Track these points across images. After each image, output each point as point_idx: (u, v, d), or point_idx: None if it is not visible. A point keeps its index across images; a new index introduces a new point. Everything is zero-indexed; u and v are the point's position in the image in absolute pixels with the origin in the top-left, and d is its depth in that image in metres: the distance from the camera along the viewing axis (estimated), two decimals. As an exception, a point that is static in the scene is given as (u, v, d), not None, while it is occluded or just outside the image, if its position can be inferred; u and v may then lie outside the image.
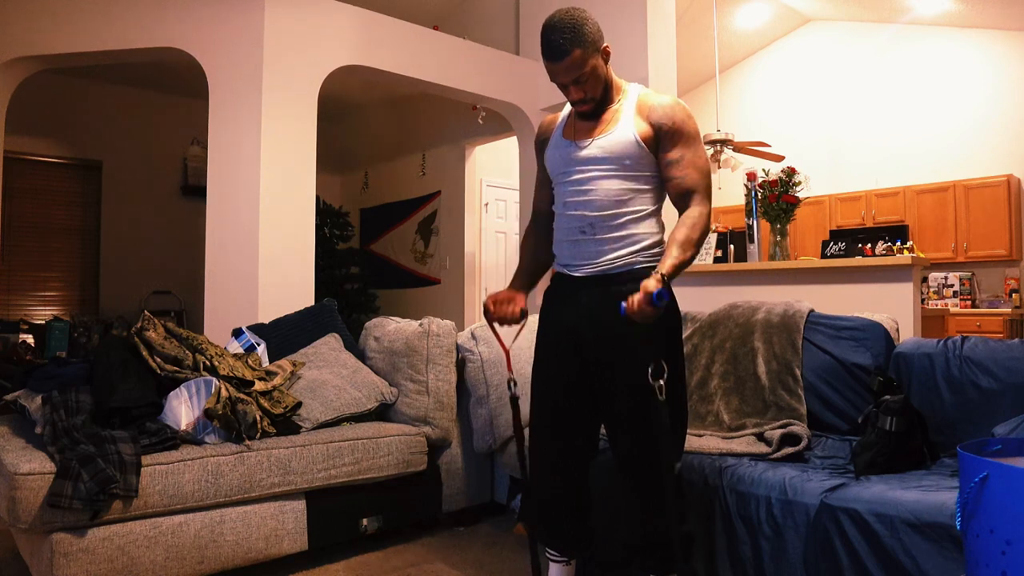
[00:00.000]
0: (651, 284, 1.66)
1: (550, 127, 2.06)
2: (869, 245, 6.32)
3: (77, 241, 6.67)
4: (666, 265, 1.73)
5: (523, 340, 2.94)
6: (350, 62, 4.62)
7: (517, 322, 1.98)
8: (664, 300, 1.67)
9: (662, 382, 1.73)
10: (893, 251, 6.07)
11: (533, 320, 2.16)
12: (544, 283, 2.10)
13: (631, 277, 1.83)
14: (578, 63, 1.78)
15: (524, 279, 2.11)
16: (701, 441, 2.40)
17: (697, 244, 1.81)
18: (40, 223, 6.44)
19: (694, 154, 1.87)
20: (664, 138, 1.85)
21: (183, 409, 2.38)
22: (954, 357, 2.37)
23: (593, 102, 1.87)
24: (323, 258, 6.75)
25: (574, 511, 2.00)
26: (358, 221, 8.19)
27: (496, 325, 1.99)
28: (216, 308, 4.13)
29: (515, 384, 1.98)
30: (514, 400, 1.98)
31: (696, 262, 4.41)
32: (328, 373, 2.89)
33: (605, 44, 1.86)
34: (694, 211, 1.84)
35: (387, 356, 3.05)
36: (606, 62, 1.87)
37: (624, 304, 1.69)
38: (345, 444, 2.58)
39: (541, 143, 2.08)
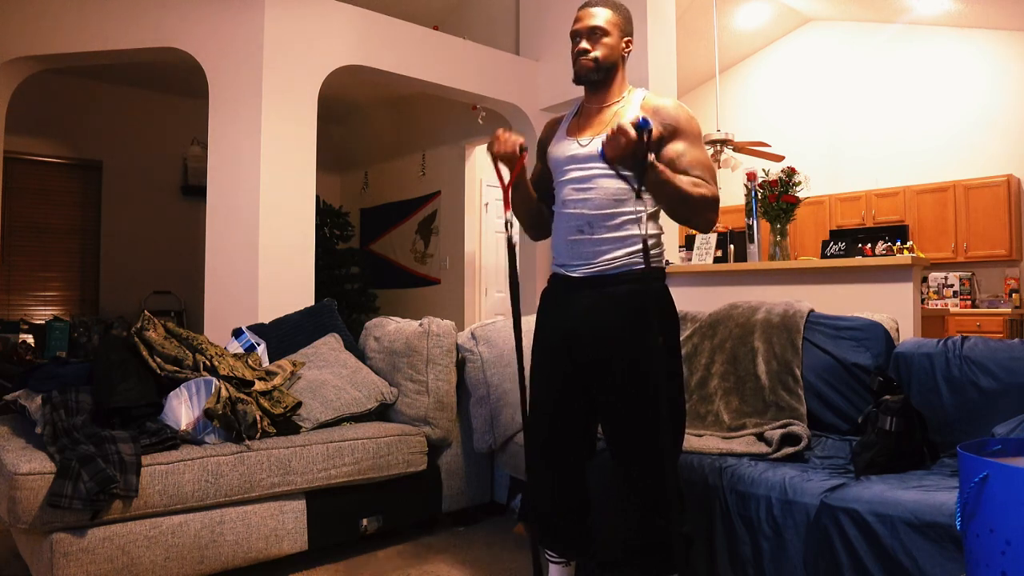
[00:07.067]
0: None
1: (554, 126, 2.08)
2: (869, 245, 6.32)
3: (77, 241, 6.66)
4: (664, 171, 1.72)
5: (523, 341, 2.93)
6: (350, 62, 4.62)
7: (515, 157, 1.93)
8: (649, 127, 1.63)
9: (662, 339, 1.74)
10: (893, 251, 6.07)
11: (531, 320, 2.16)
12: (542, 282, 2.10)
13: (628, 278, 1.83)
14: (602, 18, 1.91)
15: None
16: (701, 441, 2.40)
17: (696, 195, 1.78)
18: (40, 223, 6.44)
19: (697, 150, 1.88)
20: (667, 136, 1.87)
21: (183, 409, 2.39)
22: (954, 357, 2.37)
23: (595, 63, 1.91)
24: (323, 258, 6.75)
25: (572, 512, 2.00)
26: (358, 221, 8.19)
27: (500, 164, 1.96)
28: (216, 308, 4.13)
29: (511, 225, 1.96)
30: (511, 245, 1.95)
31: (695, 261, 4.41)
32: (328, 373, 2.89)
33: (629, 38, 1.97)
34: (700, 180, 1.83)
35: (387, 356, 3.05)
36: (624, 52, 1.96)
37: (602, 141, 1.67)
38: (345, 444, 2.58)
39: (544, 142, 2.09)
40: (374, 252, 8.03)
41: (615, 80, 1.95)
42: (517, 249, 2.01)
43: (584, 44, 1.92)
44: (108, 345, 2.57)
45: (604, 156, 1.69)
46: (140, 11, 4.16)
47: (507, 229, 1.95)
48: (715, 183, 1.87)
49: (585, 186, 1.89)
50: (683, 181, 1.77)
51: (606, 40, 1.91)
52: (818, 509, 1.86)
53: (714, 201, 1.82)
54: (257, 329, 3.25)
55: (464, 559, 2.62)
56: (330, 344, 3.13)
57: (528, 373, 2.01)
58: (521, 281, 5.87)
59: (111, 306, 6.60)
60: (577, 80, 1.97)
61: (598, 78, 1.93)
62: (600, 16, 1.91)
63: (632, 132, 1.63)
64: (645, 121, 1.64)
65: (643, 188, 1.76)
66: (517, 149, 1.92)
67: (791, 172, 4.12)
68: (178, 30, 4.19)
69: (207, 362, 2.57)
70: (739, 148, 6.38)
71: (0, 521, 2.14)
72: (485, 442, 2.89)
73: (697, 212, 1.82)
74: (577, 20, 1.95)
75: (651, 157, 1.69)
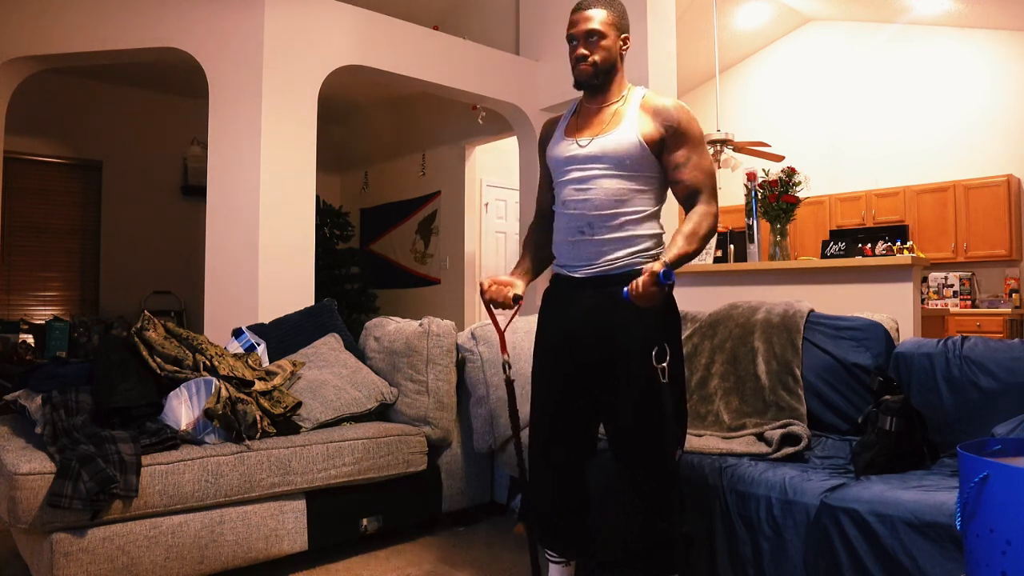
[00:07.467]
0: (657, 266, 1.67)
1: (552, 126, 2.08)
2: (869, 245, 6.31)
3: (77, 241, 6.66)
4: (670, 254, 1.74)
5: (524, 341, 2.94)
6: (350, 62, 4.62)
7: (510, 306, 1.97)
8: (671, 280, 1.66)
9: (664, 365, 1.74)
10: (893, 251, 6.06)
11: (533, 320, 2.16)
12: (543, 282, 2.10)
13: (630, 278, 1.83)
14: (597, 20, 1.88)
15: (524, 268, 2.11)
16: (701, 441, 2.40)
17: (703, 239, 1.81)
18: (40, 223, 6.43)
19: (699, 156, 1.88)
20: (670, 140, 1.87)
21: (183, 409, 2.39)
22: (954, 357, 2.37)
23: (593, 67, 1.90)
24: (323, 258, 6.75)
25: (572, 512, 2.00)
26: (358, 221, 8.19)
27: (492, 307, 1.99)
28: (216, 308, 4.13)
29: (509, 367, 1.97)
30: (509, 384, 1.97)
31: (696, 262, 4.40)
32: (328, 373, 2.89)
33: (626, 34, 1.94)
34: (701, 208, 1.85)
35: (387, 356, 3.05)
36: (622, 51, 1.94)
37: (627, 288, 1.69)
38: (345, 444, 2.58)
39: (543, 142, 2.09)
40: (374, 252, 8.03)
41: (615, 80, 1.95)
42: (516, 386, 2.04)
43: (582, 50, 1.90)
44: (108, 345, 2.57)
45: (627, 297, 1.70)
46: (140, 11, 4.16)
47: (505, 371, 1.96)
48: (715, 193, 1.89)
49: (585, 186, 1.89)
50: (689, 241, 1.78)
51: (603, 43, 1.89)
52: (818, 509, 1.86)
53: (715, 225, 1.86)
54: (257, 329, 3.25)
55: (464, 559, 2.62)
56: (330, 344, 3.13)
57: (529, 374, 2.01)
58: (521, 281, 5.88)
59: (111, 306, 6.60)
60: (578, 85, 1.96)
61: (598, 82, 1.93)
62: (595, 18, 1.88)
63: (657, 291, 1.66)
64: (667, 275, 1.65)
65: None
66: (511, 300, 1.95)
67: (791, 172, 4.12)
68: (178, 30, 4.19)
69: (207, 362, 2.57)
70: (739, 148, 6.38)
71: (0, 521, 2.14)
72: (485, 442, 2.89)
73: (703, 247, 1.86)
74: (572, 24, 1.92)
75: (663, 260, 1.70)
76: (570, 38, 1.93)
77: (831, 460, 2.28)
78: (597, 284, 1.88)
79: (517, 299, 1.97)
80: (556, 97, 5.54)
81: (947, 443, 2.22)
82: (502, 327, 2.01)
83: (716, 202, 1.88)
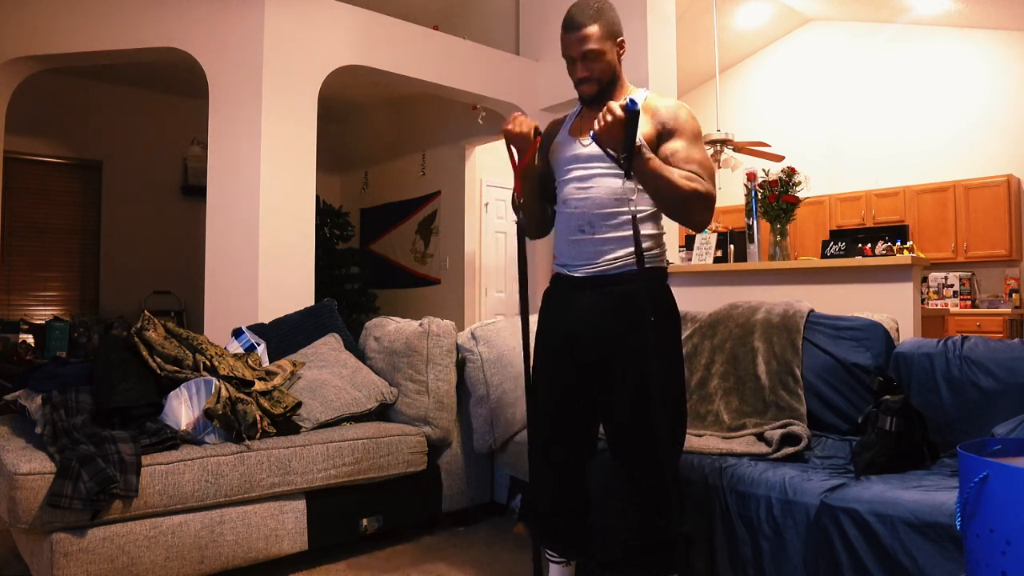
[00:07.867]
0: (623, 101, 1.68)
1: (556, 127, 2.08)
2: (869, 245, 6.31)
3: (77, 241, 6.66)
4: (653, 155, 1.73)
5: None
6: (350, 62, 4.62)
7: (529, 141, 1.92)
8: (636, 107, 1.65)
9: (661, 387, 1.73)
10: (893, 251, 6.06)
11: (532, 320, 2.16)
12: (544, 283, 2.10)
13: (629, 278, 1.83)
14: (591, 38, 1.84)
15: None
16: (701, 441, 2.40)
17: (685, 185, 1.76)
18: (40, 223, 6.44)
19: (695, 149, 1.86)
20: (665, 134, 1.87)
21: (183, 409, 2.39)
22: (954, 357, 2.37)
23: (597, 84, 1.90)
24: (323, 258, 6.75)
25: (572, 512, 2.00)
26: (358, 221, 8.19)
27: (512, 148, 1.96)
28: (216, 308, 4.13)
29: (521, 211, 1.94)
30: (520, 228, 1.97)
31: (695, 261, 4.41)
32: (328, 373, 2.89)
33: (621, 38, 1.92)
34: (693, 175, 1.81)
35: (387, 356, 3.05)
36: (619, 56, 1.93)
37: (594, 123, 1.70)
38: (345, 444, 2.58)
39: (545, 143, 2.09)
40: (374, 252, 8.03)
41: (617, 83, 1.95)
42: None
43: (582, 72, 1.89)
44: (108, 345, 2.57)
45: (595, 137, 1.71)
46: (140, 11, 4.17)
47: (517, 214, 1.94)
48: (712, 182, 1.86)
49: (587, 184, 1.89)
50: (674, 174, 1.76)
51: (599, 58, 1.87)
52: (818, 509, 1.86)
53: (707, 197, 1.80)
54: (257, 329, 3.25)
55: (464, 559, 2.62)
56: (330, 344, 3.13)
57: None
58: (521, 281, 5.88)
59: (111, 306, 6.60)
60: (583, 101, 1.96)
61: (602, 92, 1.92)
62: (591, 37, 1.85)
63: (619, 112, 1.65)
64: (633, 103, 1.65)
65: (631, 171, 1.75)
66: (531, 132, 1.91)
67: (791, 172, 4.12)
68: (178, 30, 4.20)
69: (207, 362, 2.57)
70: (739, 148, 6.38)
71: (0, 521, 2.14)
72: (485, 442, 2.89)
73: (689, 207, 1.80)
74: (567, 45, 1.88)
75: (640, 140, 1.69)
76: (567, 58, 1.91)
77: (831, 460, 2.28)
78: (596, 284, 1.88)
79: (537, 132, 1.93)
80: (556, 97, 5.54)
81: (947, 443, 2.22)
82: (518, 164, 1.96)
83: (712, 187, 1.84)
